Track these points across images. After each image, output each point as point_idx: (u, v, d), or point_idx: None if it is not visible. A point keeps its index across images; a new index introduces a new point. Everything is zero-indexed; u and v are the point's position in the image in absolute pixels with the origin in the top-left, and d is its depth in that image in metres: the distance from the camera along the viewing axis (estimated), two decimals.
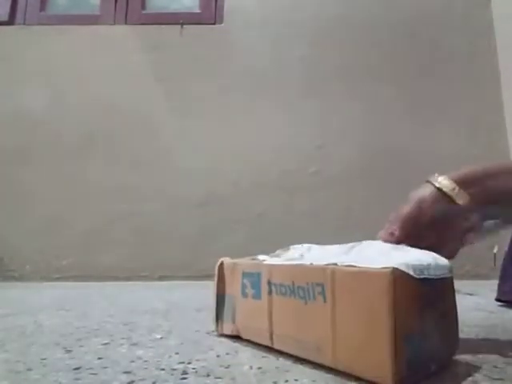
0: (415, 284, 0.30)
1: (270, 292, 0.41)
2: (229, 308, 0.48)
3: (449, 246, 0.42)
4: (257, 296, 0.43)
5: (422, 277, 0.30)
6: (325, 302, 0.34)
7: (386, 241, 0.41)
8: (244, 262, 0.48)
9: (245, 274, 0.45)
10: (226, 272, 0.49)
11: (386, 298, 0.29)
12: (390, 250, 0.36)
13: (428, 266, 0.31)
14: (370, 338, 0.30)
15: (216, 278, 0.50)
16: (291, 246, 0.48)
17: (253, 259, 0.47)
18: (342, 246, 0.41)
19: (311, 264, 0.37)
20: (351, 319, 0.32)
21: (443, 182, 0.42)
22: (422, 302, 0.31)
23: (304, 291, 0.36)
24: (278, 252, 0.48)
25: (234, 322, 0.47)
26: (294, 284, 0.38)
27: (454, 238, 0.42)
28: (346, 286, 0.33)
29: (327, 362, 0.34)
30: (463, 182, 0.41)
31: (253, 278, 0.44)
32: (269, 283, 0.41)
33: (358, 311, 0.31)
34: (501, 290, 0.77)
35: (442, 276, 0.32)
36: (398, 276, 0.29)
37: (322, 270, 0.35)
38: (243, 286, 0.45)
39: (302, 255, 0.44)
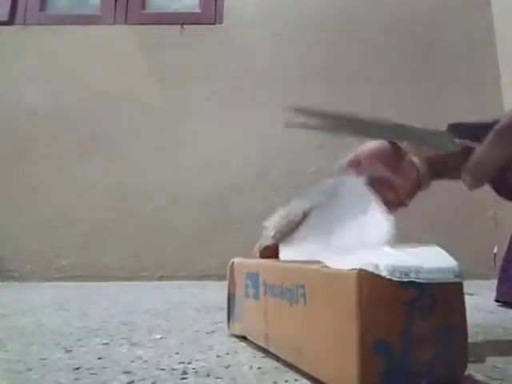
0: (391, 287, 0.26)
1: (265, 292, 0.40)
2: (239, 308, 0.47)
3: (403, 183, 0.43)
4: (256, 296, 0.42)
5: (405, 280, 0.26)
6: (305, 304, 0.32)
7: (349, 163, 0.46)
8: (249, 261, 0.47)
9: (247, 275, 0.45)
10: (236, 271, 0.49)
11: (351, 301, 0.27)
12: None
13: (419, 269, 0.27)
14: (340, 346, 0.28)
15: (228, 277, 0.50)
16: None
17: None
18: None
19: (299, 261, 0.36)
20: (326, 325, 0.30)
21: None
22: (407, 308, 0.27)
23: (291, 292, 0.35)
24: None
25: (242, 322, 0.46)
26: (283, 285, 0.36)
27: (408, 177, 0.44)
28: (321, 287, 0.31)
29: (306, 369, 0.32)
30: None
31: (253, 278, 0.43)
32: (264, 284, 0.40)
33: (331, 316, 0.29)
34: (499, 290, 0.77)
35: (441, 280, 0.28)
36: (364, 278, 0.26)
37: (304, 270, 0.34)
38: (246, 287, 0.45)
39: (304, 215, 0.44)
